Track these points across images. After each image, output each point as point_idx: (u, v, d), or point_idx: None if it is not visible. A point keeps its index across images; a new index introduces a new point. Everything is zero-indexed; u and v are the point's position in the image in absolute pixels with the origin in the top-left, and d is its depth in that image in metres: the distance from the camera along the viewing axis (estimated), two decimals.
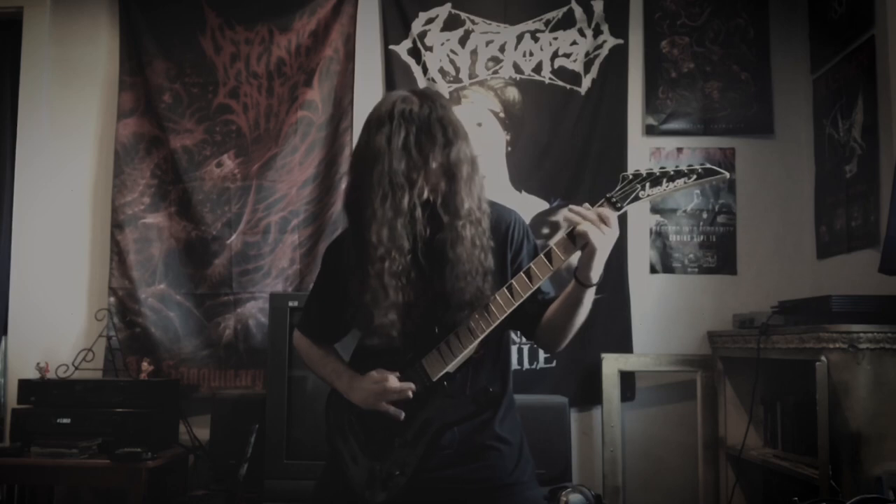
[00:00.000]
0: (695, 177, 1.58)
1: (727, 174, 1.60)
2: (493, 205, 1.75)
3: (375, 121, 1.66)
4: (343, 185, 3.39)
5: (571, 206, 1.62)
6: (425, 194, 1.66)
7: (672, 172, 1.59)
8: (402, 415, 1.68)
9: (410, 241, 1.64)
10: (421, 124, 1.64)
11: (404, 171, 1.61)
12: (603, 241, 1.56)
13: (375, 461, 1.70)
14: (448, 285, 1.62)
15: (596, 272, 1.59)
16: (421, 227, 1.65)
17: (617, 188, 1.61)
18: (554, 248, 1.61)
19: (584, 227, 1.56)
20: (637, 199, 1.60)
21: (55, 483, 3.25)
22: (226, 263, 3.38)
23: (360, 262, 1.65)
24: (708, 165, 1.59)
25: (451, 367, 1.67)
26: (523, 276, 1.62)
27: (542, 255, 1.62)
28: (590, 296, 1.63)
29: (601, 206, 1.60)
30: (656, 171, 1.59)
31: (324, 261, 1.91)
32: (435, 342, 1.68)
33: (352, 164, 1.76)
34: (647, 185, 1.59)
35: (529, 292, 1.62)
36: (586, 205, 1.61)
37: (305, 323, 1.93)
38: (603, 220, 1.56)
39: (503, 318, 1.64)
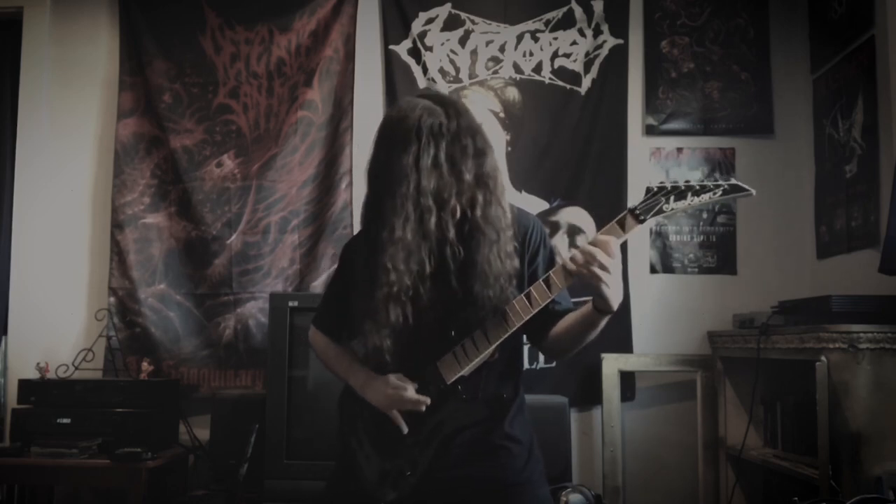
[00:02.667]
0: (720, 192, 1.55)
1: (753, 191, 1.56)
2: (512, 207, 1.73)
3: (400, 138, 1.59)
4: (343, 184, 3.39)
5: (580, 250, 1.55)
6: (458, 211, 1.62)
7: (698, 187, 1.56)
8: (406, 430, 1.68)
9: (435, 262, 1.61)
10: (452, 138, 1.59)
11: (434, 191, 1.57)
12: (613, 282, 1.53)
13: (387, 460, 1.70)
14: (476, 290, 1.60)
15: (615, 302, 1.56)
16: (453, 247, 1.61)
17: (641, 200, 1.58)
18: (567, 261, 1.58)
19: (597, 286, 1.52)
20: (661, 212, 1.56)
21: (55, 483, 3.25)
22: (226, 263, 3.38)
23: (367, 278, 1.63)
24: (734, 182, 1.56)
25: (465, 371, 1.66)
26: (542, 284, 1.61)
27: (561, 265, 1.60)
28: (605, 320, 1.62)
29: (621, 219, 1.56)
30: (681, 184, 1.56)
31: (342, 258, 1.89)
32: (451, 345, 1.67)
33: (369, 177, 1.68)
34: (672, 198, 1.56)
35: (547, 301, 1.61)
36: (582, 247, 1.55)
37: (322, 319, 1.92)
38: (606, 256, 1.51)
39: (520, 324, 1.63)
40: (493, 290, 1.60)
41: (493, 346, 1.65)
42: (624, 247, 3.25)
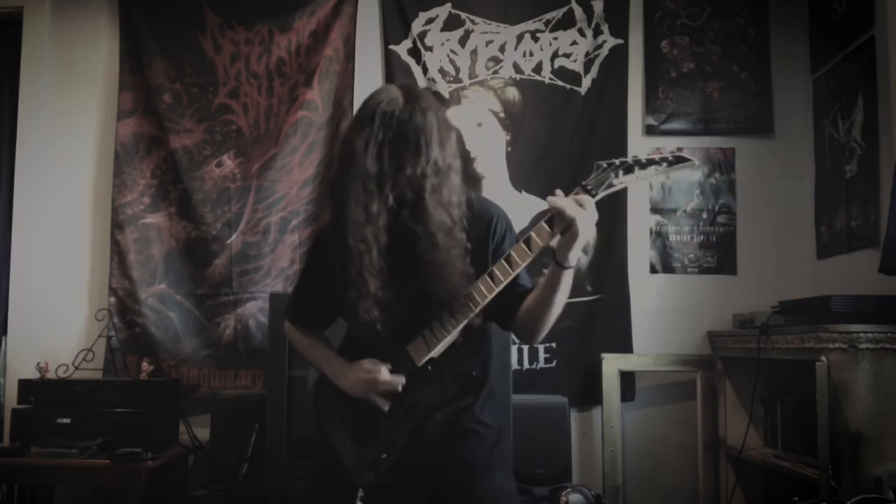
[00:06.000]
0: (665, 164, 1.63)
1: (695, 161, 1.64)
2: (478, 199, 1.76)
3: (359, 119, 1.66)
4: None
5: (554, 194, 1.62)
6: (391, 201, 1.63)
7: (644, 161, 1.64)
8: (388, 407, 1.70)
9: (380, 246, 1.64)
10: (397, 130, 1.62)
11: (375, 177, 1.61)
12: (586, 226, 1.59)
13: (363, 446, 1.72)
14: (426, 288, 1.63)
15: (575, 255, 1.61)
16: (386, 234, 1.63)
17: (591, 176, 1.65)
18: (533, 234, 1.63)
19: (570, 212, 1.58)
20: (611, 186, 1.64)
21: (55, 483, 3.24)
22: (226, 263, 3.38)
23: (340, 256, 1.65)
24: (677, 153, 1.64)
25: (434, 353, 1.69)
26: (503, 262, 1.65)
27: (521, 242, 1.64)
28: (568, 278, 1.64)
29: (577, 193, 1.63)
30: (629, 159, 1.64)
31: (312, 248, 1.92)
32: (420, 330, 1.70)
33: (337, 154, 1.74)
34: (620, 172, 1.64)
35: (510, 278, 1.64)
36: (559, 192, 1.63)
37: (292, 310, 1.93)
38: (581, 205, 1.59)
39: (485, 304, 1.65)
40: (441, 286, 1.63)
41: (461, 327, 1.67)
42: (621, 245, 3.31)
